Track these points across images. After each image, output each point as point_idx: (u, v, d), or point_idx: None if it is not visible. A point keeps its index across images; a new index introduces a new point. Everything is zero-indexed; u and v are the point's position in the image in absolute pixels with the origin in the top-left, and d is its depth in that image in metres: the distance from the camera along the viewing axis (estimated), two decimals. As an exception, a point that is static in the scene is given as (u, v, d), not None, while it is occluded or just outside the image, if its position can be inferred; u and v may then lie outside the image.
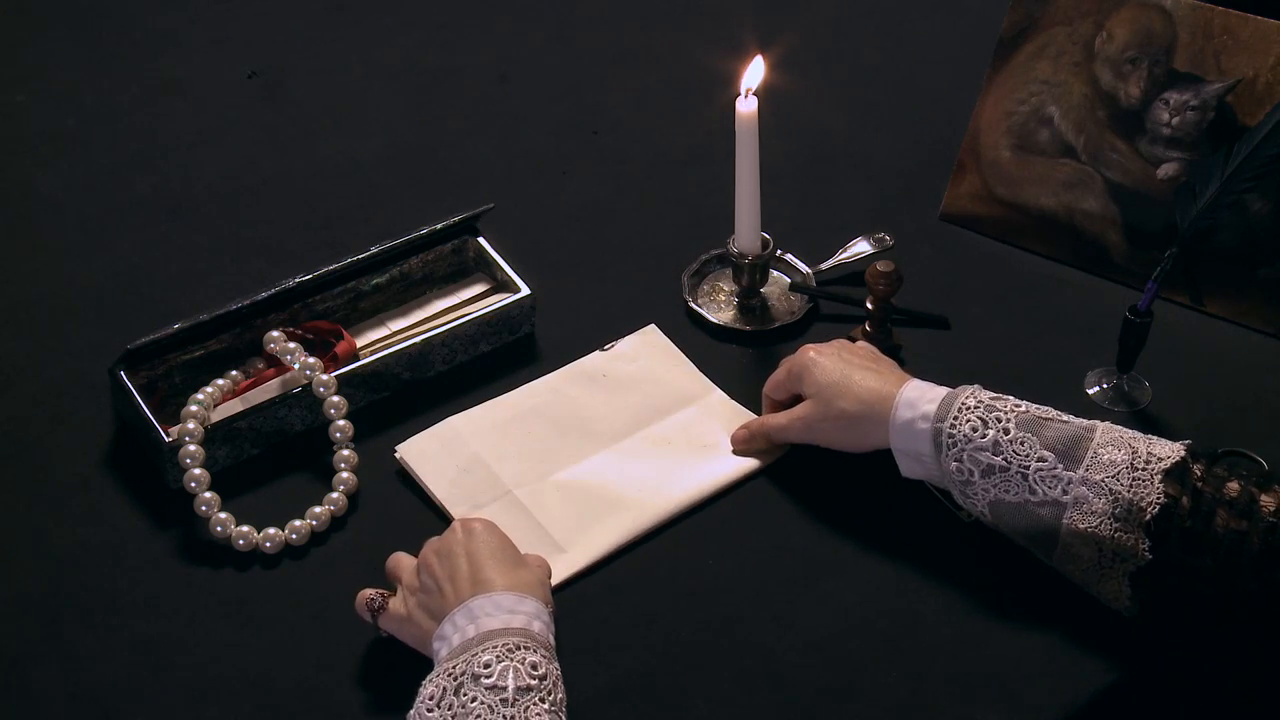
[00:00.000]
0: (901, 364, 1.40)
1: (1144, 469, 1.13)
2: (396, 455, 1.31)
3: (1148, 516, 1.12)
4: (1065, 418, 1.19)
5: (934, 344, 1.43)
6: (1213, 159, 1.32)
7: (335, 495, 1.28)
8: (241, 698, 1.16)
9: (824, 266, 1.50)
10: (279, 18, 1.81)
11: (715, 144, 1.52)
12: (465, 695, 1.04)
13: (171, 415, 1.31)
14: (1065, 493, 1.15)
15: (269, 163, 1.62)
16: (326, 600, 1.22)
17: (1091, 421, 1.18)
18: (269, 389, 1.33)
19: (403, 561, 1.19)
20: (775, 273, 1.50)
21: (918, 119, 1.67)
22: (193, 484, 1.26)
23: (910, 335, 1.43)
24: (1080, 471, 1.15)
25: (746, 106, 1.36)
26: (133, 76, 1.72)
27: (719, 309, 1.46)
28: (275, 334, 1.34)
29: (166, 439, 1.26)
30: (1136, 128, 1.46)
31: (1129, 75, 1.45)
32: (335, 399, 1.31)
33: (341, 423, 1.31)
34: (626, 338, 1.42)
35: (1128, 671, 1.17)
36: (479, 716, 1.02)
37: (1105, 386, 1.39)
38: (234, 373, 1.34)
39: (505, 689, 1.03)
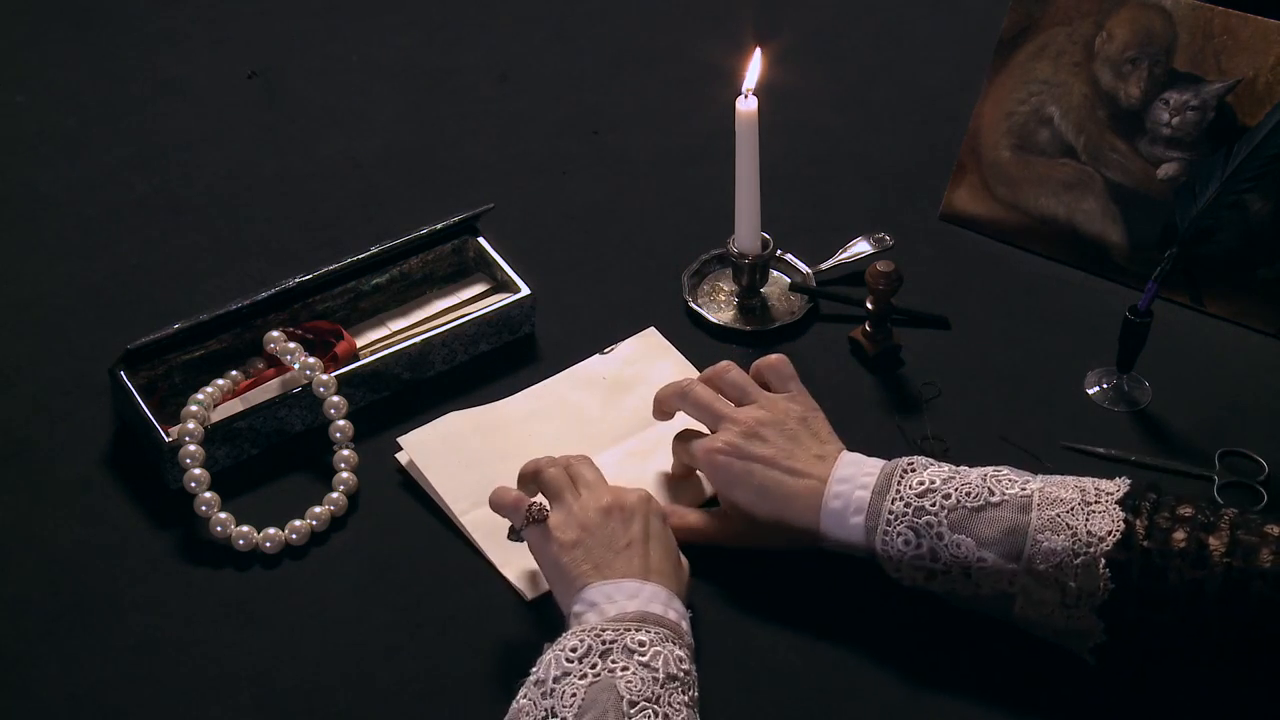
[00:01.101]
0: (901, 364, 1.41)
1: (1086, 553, 1.10)
2: (399, 453, 1.31)
3: (1098, 601, 1.10)
4: (998, 494, 1.13)
5: (934, 344, 1.43)
6: (1213, 159, 1.32)
7: (335, 495, 1.28)
8: (241, 698, 1.16)
9: (824, 266, 1.50)
10: (279, 18, 1.81)
11: (715, 144, 1.52)
12: (615, 661, 1.04)
13: (171, 415, 1.31)
14: (1011, 584, 1.13)
15: (269, 163, 1.62)
16: (326, 600, 1.22)
17: (1025, 492, 1.13)
18: (269, 389, 1.33)
19: (586, 469, 1.19)
20: (775, 273, 1.50)
21: (918, 119, 1.67)
22: (193, 484, 1.26)
23: (910, 335, 1.43)
24: (1023, 564, 1.12)
25: (746, 106, 1.36)
26: (133, 76, 1.72)
27: (719, 309, 1.46)
28: (275, 334, 1.34)
29: (166, 439, 1.27)
30: (1136, 128, 1.46)
31: (1129, 75, 1.45)
32: (335, 399, 1.31)
33: (341, 423, 1.31)
34: (626, 340, 1.42)
35: (1128, 672, 1.17)
36: (630, 682, 1.03)
37: (1105, 386, 1.39)
38: (234, 373, 1.34)
39: (656, 669, 1.04)
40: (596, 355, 1.40)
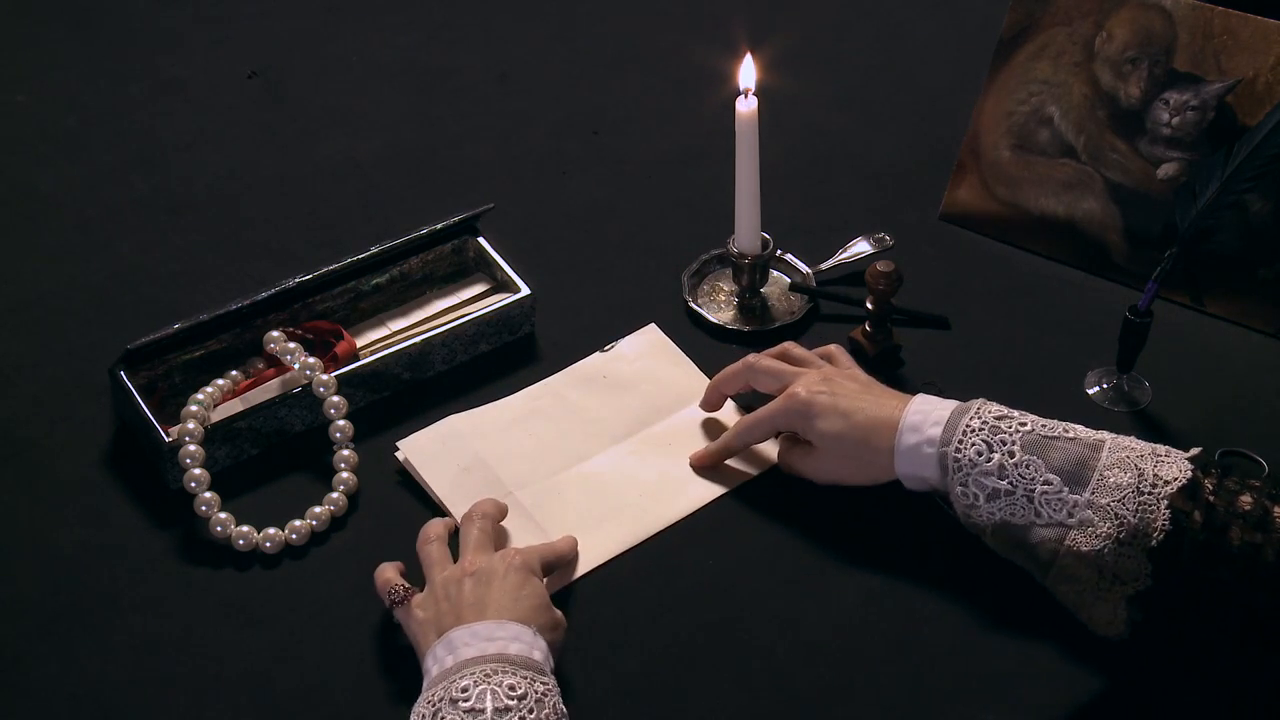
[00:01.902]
0: (901, 364, 1.41)
1: (1150, 493, 1.13)
2: (397, 453, 1.31)
3: (1153, 542, 1.12)
4: (1072, 433, 1.18)
5: (934, 344, 1.43)
6: (1213, 159, 1.32)
7: (335, 495, 1.28)
8: (241, 698, 1.16)
9: (824, 266, 1.50)
10: (279, 18, 1.81)
11: (715, 144, 1.52)
12: (444, 718, 1.04)
13: (171, 415, 1.31)
14: (1071, 515, 1.15)
15: (269, 163, 1.62)
16: (326, 600, 1.22)
17: (1099, 436, 1.17)
18: (269, 389, 1.34)
19: (434, 551, 1.19)
20: (775, 273, 1.50)
21: (918, 119, 1.67)
22: (193, 484, 1.26)
23: (910, 335, 1.43)
24: (1086, 495, 1.14)
25: (746, 106, 1.36)
26: (133, 76, 1.72)
27: (719, 309, 1.46)
28: (275, 334, 1.34)
29: (166, 439, 1.26)
30: (1136, 128, 1.46)
31: (1129, 75, 1.45)
32: (335, 399, 1.31)
33: (341, 423, 1.31)
34: (626, 338, 1.42)
35: (1128, 671, 1.17)
36: None
37: (1105, 386, 1.39)
38: (234, 373, 1.34)
39: (484, 710, 1.04)
40: (596, 353, 1.40)
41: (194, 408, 1.28)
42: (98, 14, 1.80)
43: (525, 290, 1.41)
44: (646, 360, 1.40)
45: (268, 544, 1.25)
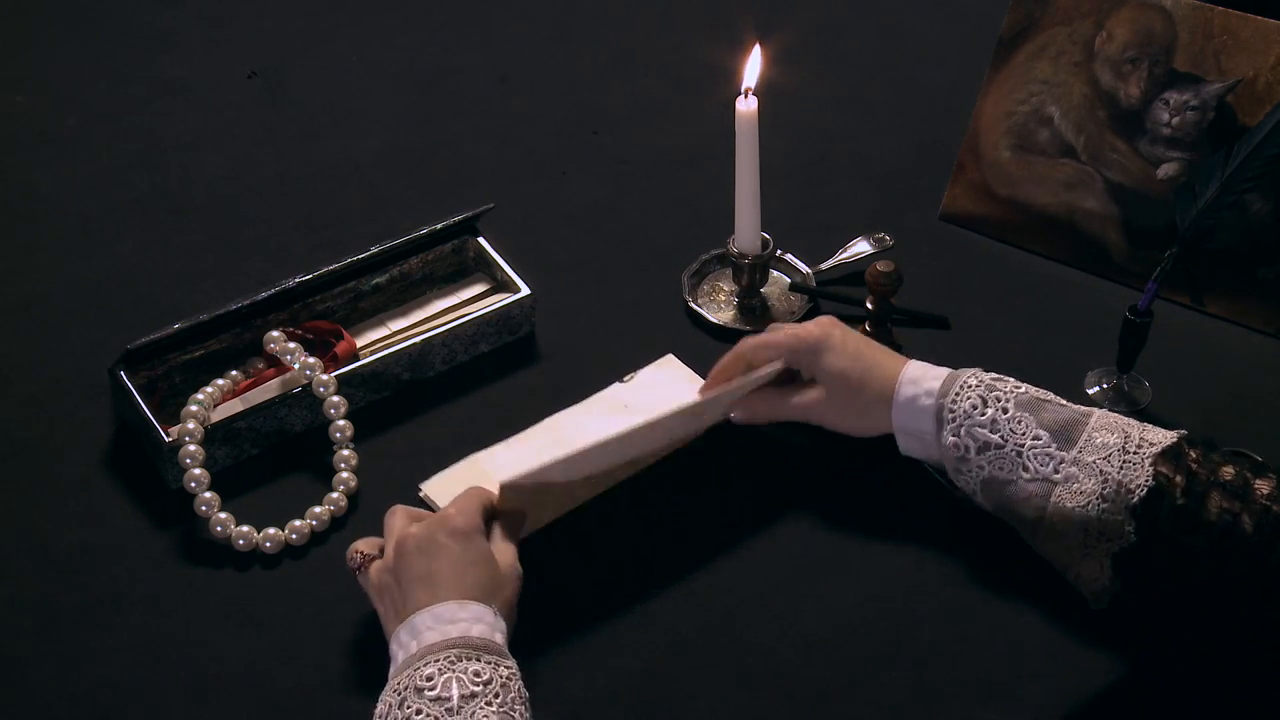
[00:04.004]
0: (901, 364, 1.41)
1: (1136, 452, 1.15)
2: (420, 493, 1.30)
3: (1135, 499, 1.14)
4: (1064, 402, 1.21)
5: (934, 344, 1.43)
6: (1213, 159, 1.32)
7: (335, 495, 1.28)
8: (241, 698, 1.16)
9: (824, 266, 1.50)
10: (279, 18, 1.81)
11: (715, 144, 1.52)
12: (409, 708, 1.04)
13: (171, 415, 1.31)
14: (1057, 471, 1.17)
15: (269, 163, 1.62)
16: (326, 600, 1.22)
17: (1090, 408, 1.21)
18: (269, 389, 1.34)
19: (395, 522, 1.17)
20: (775, 273, 1.50)
21: (918, 119, 1.67)
22: (193, 484, 1.26)
23: (910, 335, 1.43)
24: (1073, 452, 1.17)
25: (746, 106, 1.36)
26: (133, 76, 1.72)
27: (719, 309, 1.46)
28: (275, 334, 1.34)
29: (166, 439, 1.27)
30: (1136, 128, 1.46)
31: (1129, 75, 1.45)
32: (335, 399, 1.31)
33: (341, 423, 1.31)
34: (645, 369, 1.40)
35: (1128, 671, 1.17)
36: None
37: (1105, 386, 1.39)
38: (234, 373, 1.34)
39: (449, 699, 1.04)
40: (616, 384, 1.39)
41: (194, 408, 1.28)
42: (98, 14, 1.80)
43: (525, 290, 1.41)
44: (667, 389, 1.37)
45: (268, 544, 1.25)
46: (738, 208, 1.42)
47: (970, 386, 1.22)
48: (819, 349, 1.28)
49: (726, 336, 1.44)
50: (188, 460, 1.26)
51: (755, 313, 1.46)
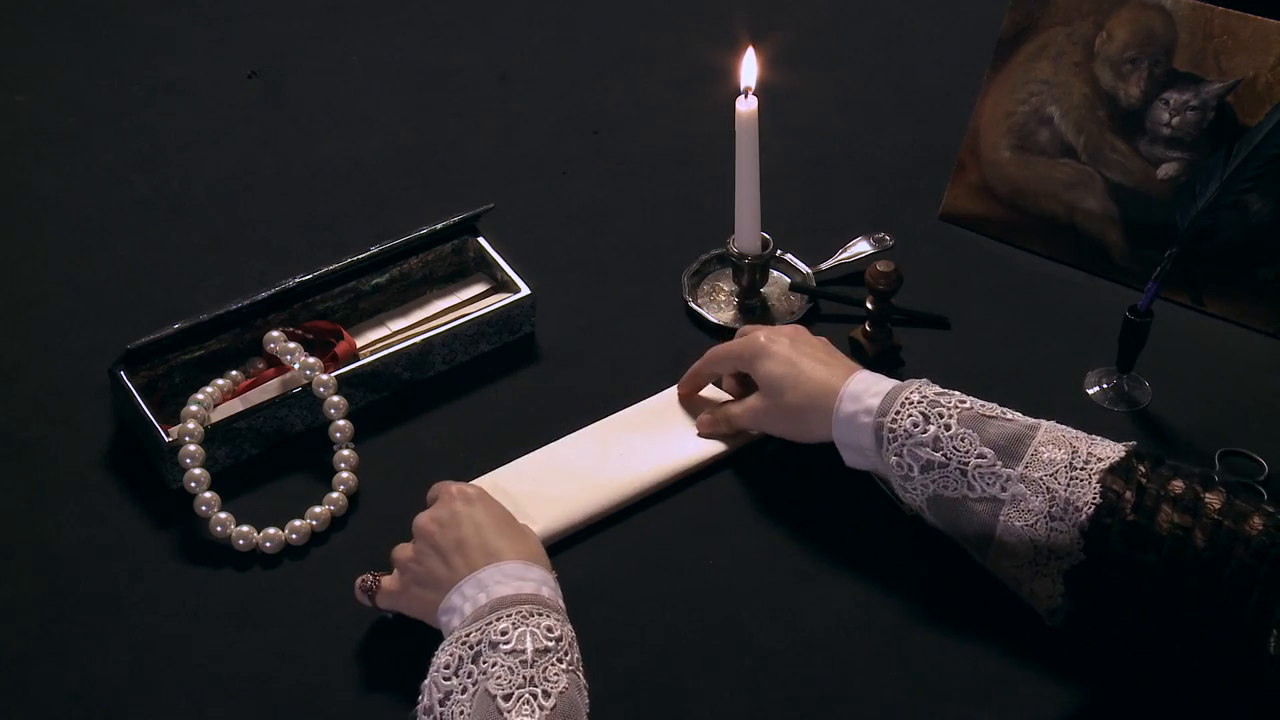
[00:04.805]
0: (901, 364, 1.41)
1: (1083, 468, 1.13)
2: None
3: (1083, 516, 1.12)
4: (1010, 415, 1.19)
5: (934, 344, 1.43)
6: (1213, 159, 1.32)
7: (335, 495, 1.28)
8: (241, 698, 1.16)
9: (824, 266, 1.50)
10: (279, 18, 1.81)
11: (715, 144, 1.52)
12: (485, 661, 1.05)
13: (171, 415, 1.31)
14: (1003, 489, 1.15)
15: (269, 163, 1.62)
16: (326, 600, 1.22)
17: (1037, 421, 1.18)
18: (269, 389, 1.34)
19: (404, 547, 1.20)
20: (775, 273, 1.50)
21: (918, 119, 1.67)
22: (193, 484, 1.26)
23: (910, 335, 1.43)
24: (1019, 469, 1.15)
25: (746, 106, 1.36)
26: (133, 76, 1.72)
27: (719, 309, 1.46)
28: (275, 334, 1.34)
29: (166, 439, 1.27)
30: (1136, 128, 1.46)
31: (1129, 75, 1.45)
32: (335, 399, 1.31)
33: (341, 423, 1.31)
34: (667, 390, 1.38)
35: (1126, 671, 1.17)
36: (499, 678, 1.03)
37: (1105, 386, 1.39)
38: (234, 373, 1.34)
39: (524, 651, 1.05)
40: (635, 405, 1.37)
41: (194, 408, 1.28)
42: (98, 14, 1.80)
43: (525, 290, 1.41)
44: (689, 403, 1.37)
45: (268, 544, 1.25)
46: (738, 208, 1.42)
47: (911, 403, 1.19)
48: (756, 355, 1.28)
49: (726, 337, 1.43)
50: (188, 460, 1.26)
51: (755, 313, 1.46)
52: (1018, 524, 1.14)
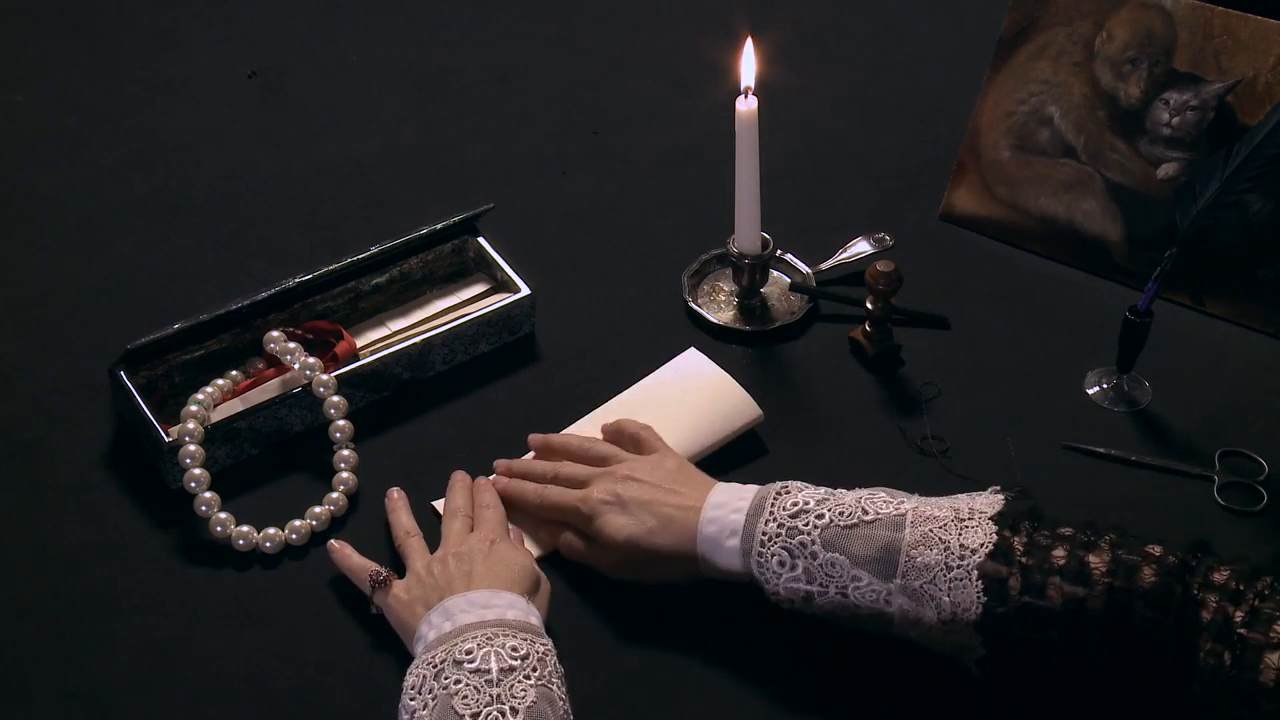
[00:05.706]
0: (901, 364, 1.41)
1: (959, 566, 1.09)
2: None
3: (972, 615, 1.08)
4: (871, 513, 1.12)
5: (934, 344, 1.43)
6: (1213, 159, 1.32)
7: (335, 495, 1.28)
8: (241, 698, 1.16)
9: (824, 266, 1.50)
10: (279, 18, 1.81)
11: (715, 144, 1.52)
12: (448, 679, 1.05)
13: (171, 415, 1.31)
14: (888, 604, 1.11)
15: (269, 163, 1.62)
16: (326, 600, 1.22)
17: (899, 510, 1.12)
18: (269, 389, 1.34)
19: (416, 547, 1.21)
20: (775, 273, 1.50)
21: (918, 119, 1.67)
22: (193, 484, 1.26)
23: (910, 335, 1.43)
24: (898, 581, 1.10)
25: (746, 106, 1.36)
26: (133, 76, 1.72)
27: (719, 309, 1.46)
28: (275, 334, 1.34)
29: (166, 439, 1.26)
30: (1136, 128, 1.46)
31: (1129, 75, 1.45)
32: (335, 399, 1.31)
33: (341, 423, 1.31)
34: (668, 364, 1.38)
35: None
36: (465, 696, 1.04)
37: (1105, 386, 1.39)
38: (234, 373, 1.34)
39: (489, 671, 1.05)
40: (637, 385, 1.37)
41: (194, 408, 1.28)
42: (98, 14, 1.80)
43: (525, 290, 1.41)
44: (692, 381, 1.36)
45: (268, 544, 1.25)
46: (738, 208, 1.42)
47: (770, 538, 1.13)
48: (592, 517, 1.21)
49: (726, 336, 1.44)
50: (188, 460, 1.26)
51: (755, 313, 1.46)
52: (914, 634, 1.12)
